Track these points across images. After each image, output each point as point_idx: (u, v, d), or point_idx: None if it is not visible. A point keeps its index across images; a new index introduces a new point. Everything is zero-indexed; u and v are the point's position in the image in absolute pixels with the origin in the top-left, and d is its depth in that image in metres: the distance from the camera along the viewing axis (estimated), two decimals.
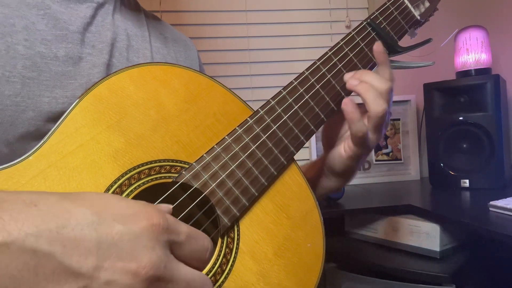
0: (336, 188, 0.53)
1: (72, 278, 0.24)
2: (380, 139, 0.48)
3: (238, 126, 0.42)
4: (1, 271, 0.23)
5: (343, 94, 0.48)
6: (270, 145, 0.42)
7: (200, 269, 0.30)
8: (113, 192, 0.35)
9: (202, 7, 1.28)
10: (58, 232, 0.24)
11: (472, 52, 1.08)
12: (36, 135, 0.39)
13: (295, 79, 0.46)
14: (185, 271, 0.28)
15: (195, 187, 0.38)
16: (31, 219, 0.24)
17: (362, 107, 0.47)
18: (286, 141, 0.43)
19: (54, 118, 0.35)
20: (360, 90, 0.46)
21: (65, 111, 0.36)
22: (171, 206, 0.32)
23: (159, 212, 0.28)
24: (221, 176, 0.39)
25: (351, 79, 0.47)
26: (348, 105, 0.45)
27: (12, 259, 0.23)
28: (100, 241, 0.25)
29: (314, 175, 0.54)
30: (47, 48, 0.41)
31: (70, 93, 0.42)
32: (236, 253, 0.39)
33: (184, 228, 0.29)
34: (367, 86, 0.45)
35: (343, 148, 0.48)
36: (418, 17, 0.54)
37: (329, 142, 0.52)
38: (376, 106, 0.45)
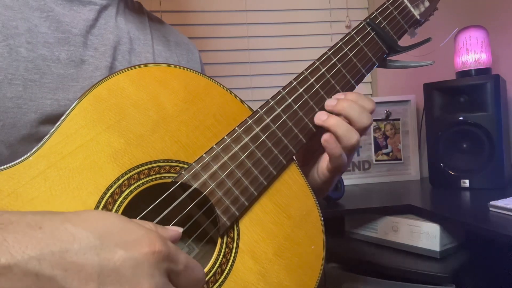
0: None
1: None
2: (348, 164, 0.47)
3: (237, 126, 0.42)
4: None
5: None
6: (270, 144, 0.43)
7: None
8: (112, 193, 0.35)
9: (202, 7, 1.28)
10: (60, 256, 0.24)
11: (472, 52, 1.08)
12: (38, 137, 0.39)
13: (294, 79, 0.46)
14: None
15: (195, 187, 0.38)
16: (35, 242, 0.24)
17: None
18: (285, 141, 0.44)
19: (56, 120, 0.36)
20: (330, 127, 0.44)
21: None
22: (181, 230, 0.32)
23: (161, 239, 0.28)
24: (221, 176, 0.39)
25: (320, 114, 0.45)
26: (329, 141, 0.44)
27: (14, 281, 0.23)
28: (101, 266, 0.25)
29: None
30: (49, 50, 0.41)
31: (72, 95, 0.42)
32: (236, 252, 0.39)
33: (183, 258, 0.29)
34: (340, 121, 0.44)
35: (317, 174, 0.48)
36: (418, 17, 0.54)
37: (303, 160, 0.51)
38: (351, 138, 0.44)
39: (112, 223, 0.28)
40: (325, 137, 0.44)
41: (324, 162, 0.47)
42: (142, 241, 0.27)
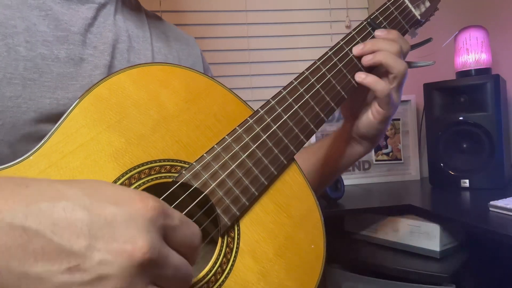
0: (366, 153, 0.57)
1: (63, 256, 0.23)
2: (400, 97, 0.51)
3: (238, 126, 0.42)
4: None
5: (343, 93, 0.48)
6: (270, 144, 0.43)
7: (193, 256, 0.30)
8: None
9: (202, 7, 1.28)
10: (48, 211, 0.24)
11: (472, 52, 1.08)
12: (38, 137, 0.39)
13: (295, 79, 0.46)
14: (175, 258, 0.27)
15: (195, 187, 0.38)
16: (22, 198, 0.24)
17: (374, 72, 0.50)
18: (286, 141, 0.44)
19: (56, 119, 0.35)
20: (380, 59, 0.48)
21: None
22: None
23: (153, 197, 0.27)
24: (221, 175, 0.39)
25: (365, 56, 0.49)
26: (365, 78, 0.48)
27: (2, 235, 0.23)
28: (92, 221, 0.24)
29: (343, 145, 0.58)
30: (48, 49, 0.41)
31: (72, 94, 0.42)
32: (236, 252, 0.39)
33: (177, 214, 0.29)
34: (385, 53, 0.48)
35: (372, 114, 0.51)
36: (419, 17, 0.54)
37: (352, 113, 0.55)
38: (400, 66, 0.48)
39: (100, 183, 0.27)
40: (359, 74, 0.48)
41: (376, 102, 0.51)
42: (134, 197, 0.26)
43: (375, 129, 0.52)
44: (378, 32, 0.50)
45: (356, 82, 0.49)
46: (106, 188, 0.27)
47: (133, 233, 0.25)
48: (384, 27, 0.51)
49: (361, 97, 0.53)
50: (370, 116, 0.52)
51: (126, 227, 0.25)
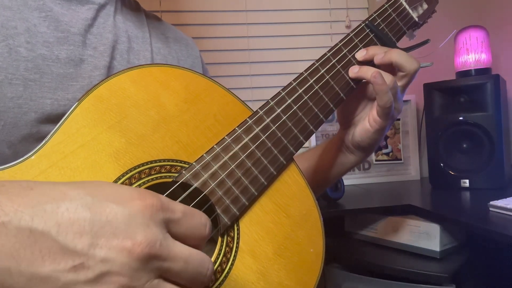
0: (358, 163, 0.57)
1: (68, 255, 0.24)
2: (401, 109, 0.51)
3: (237, 126, 0.42)
4: None
5: (342, 95, 0.48)
6: (270, 145, 0.43)
7: (202, 246, 0.30)
8: None
9: (202, 7, 1.28)
10: (52, 212, 0.25)
11: (472, 52, 1.08)
12: (38, 137, 0.39)
13: (294, 80, 0.46)
14: (181, 249, 0.28)
15: (195, 186, 0.39)
16: (27, 201, 0.25)
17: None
18: (285, 141, 0.44)
19: (56, 120, 0.36)
20: (389, 58, 0.48)
21: (66, 113, 0.36)
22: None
23: (152, 194, 0.28)
24: (221, 175, 0.40)
25: (377, 55, 0.49)
26: (377, 77, 0.47)
27: (9, 237, 0.24)
28: (93, 220, 0.25)
29: (336, 153, 0.57)
30: (49, 50, 0.41)
31: (72, 95, 0.42)
32: (236, 252, 0.39)
33: (179, 206, 0.29)
34: (397, 51, 0.48)
35: (369, 123, 0.51)
36: (416, 19, 0.54)
37: (347, 121, 0.55)
38: (412, 64, 0.49)
39: (102, 183, 0.29)
40: (374, 73, 0.47)
41: (374, 110, 0.50)
42: (133, 195, 0.27)
43: (370, 138, 0.52)
44: (358, 55, 0.50)
45: (354, 83, 0.49)
46: (107, 187, 0.28)
47: (133, 229, 0.26)
48: (382, 29, 0.51)
49: (358, 104, 0.53)
50: (367, 124, 0.51)
51: (126, 224, 0.26)
